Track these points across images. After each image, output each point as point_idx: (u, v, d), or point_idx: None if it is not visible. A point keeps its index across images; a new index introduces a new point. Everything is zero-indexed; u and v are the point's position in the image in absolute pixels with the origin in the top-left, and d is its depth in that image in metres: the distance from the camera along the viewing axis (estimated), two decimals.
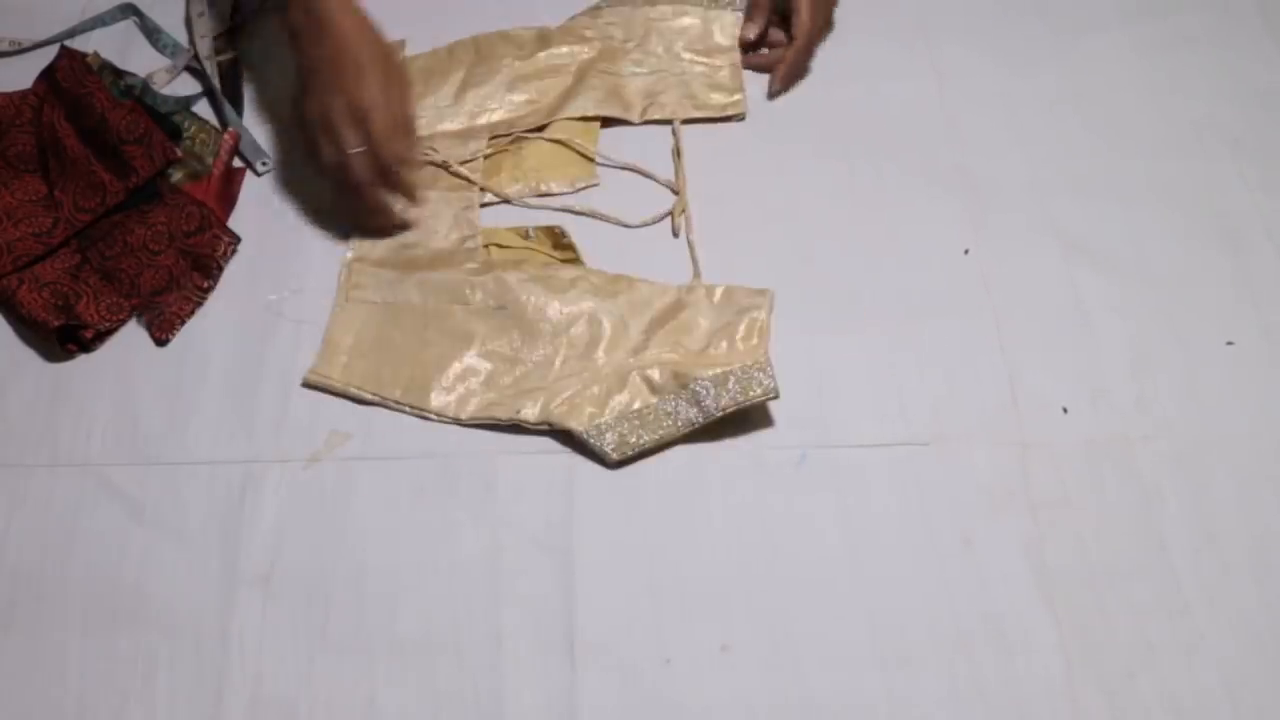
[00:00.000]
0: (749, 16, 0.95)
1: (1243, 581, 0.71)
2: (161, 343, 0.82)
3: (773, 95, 0.93)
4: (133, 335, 0.83)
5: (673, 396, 0.76)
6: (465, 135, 0.91)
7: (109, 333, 0.82)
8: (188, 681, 0.69)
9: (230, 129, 0.91)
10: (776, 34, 0.95)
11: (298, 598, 0.71)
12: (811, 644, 0.69)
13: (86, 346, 0.82)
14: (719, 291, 0.81)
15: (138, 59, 0.97)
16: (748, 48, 0.95)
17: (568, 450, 0.76)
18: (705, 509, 0.74)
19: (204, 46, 0.96)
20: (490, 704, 0.68)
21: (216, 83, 0.94)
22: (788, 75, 0.93)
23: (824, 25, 0.95)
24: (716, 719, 0.67)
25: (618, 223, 0.87)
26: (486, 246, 0.85)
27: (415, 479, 0.76)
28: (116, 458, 0.77)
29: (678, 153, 0.90)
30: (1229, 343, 0.81)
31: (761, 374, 0.75)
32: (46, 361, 0.82)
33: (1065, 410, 0.78)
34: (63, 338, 0.81)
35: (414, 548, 0.73)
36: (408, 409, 0.78)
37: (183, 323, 0.82)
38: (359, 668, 0.69)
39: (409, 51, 0.97)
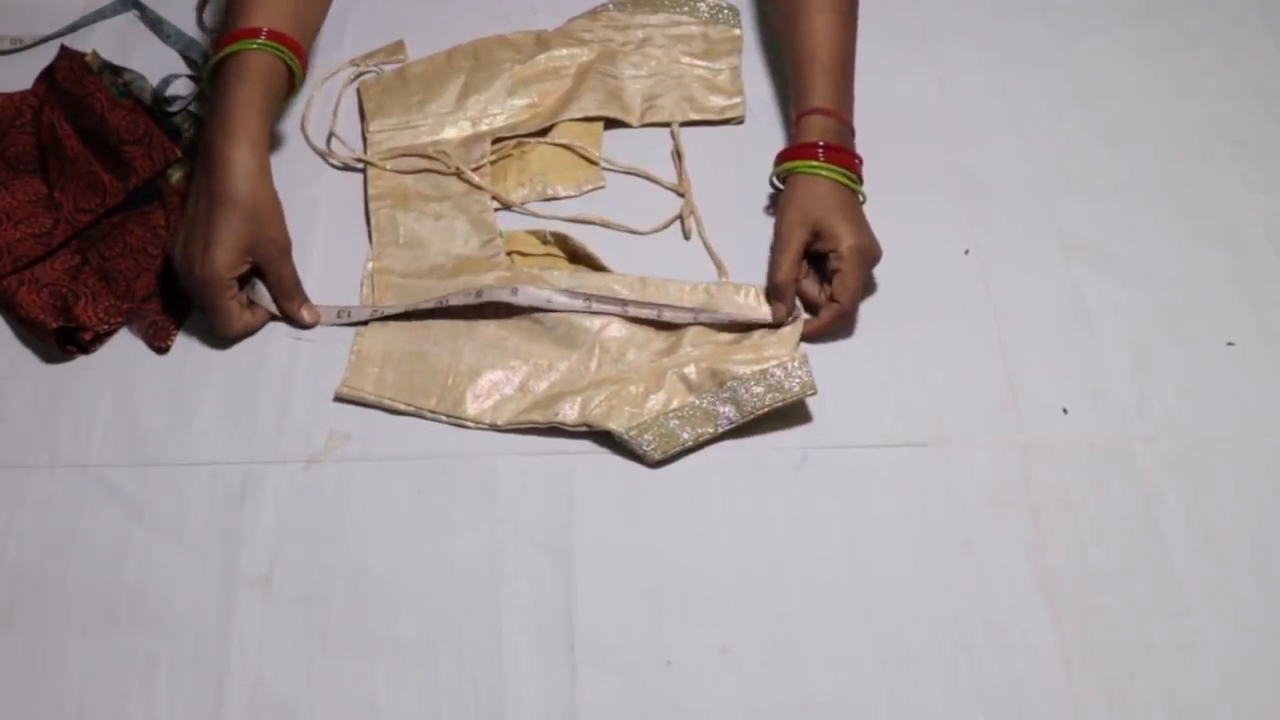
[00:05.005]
0: (770, 296, 0.80)
1: (1243, 581, 0.71)
2: (162, 350, 0.81)
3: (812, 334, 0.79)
4: (132, 336, 0.83)
5: (711, 395, 0.76)
6: (469, 142, 0.91)
7: (107, 335, 0.82)
8: (188, 681, 0.69)
9: None
10: (810, 288, 0.81)
11: (298, 598, 0.71)
12: (812, 645, 0.69)
13: (85, 348, 0.82)
14: (750, 291, 0.81)
15: (140, 54, 0.97)
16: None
17: (568, 451, 0.76)
18: (706, 510, 0.74)
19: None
20: (490, 705, 0.68)
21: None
22: (820, 333, 0.80)
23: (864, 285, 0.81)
24: None
25: (629, 230, 0.87)
26: (510, 254, 0.85)
27: (415, 480, 0.76)
28: (116, 458, 0.77)
29: (679, 155, 0.90)
30: (1229, 343, 0.81)
31: (800, 371, 0.75)
32: (46, 362, 0.82)
33: (1065, 411, 0.78)
34: (61, 339, 0.81)
35: (414, 549, 0.73)
36: (444, 418, 0.78)
37: (177, 327, 0.82)
38: (359, 668, 0.69)
39: (407, 57, 0.97)
